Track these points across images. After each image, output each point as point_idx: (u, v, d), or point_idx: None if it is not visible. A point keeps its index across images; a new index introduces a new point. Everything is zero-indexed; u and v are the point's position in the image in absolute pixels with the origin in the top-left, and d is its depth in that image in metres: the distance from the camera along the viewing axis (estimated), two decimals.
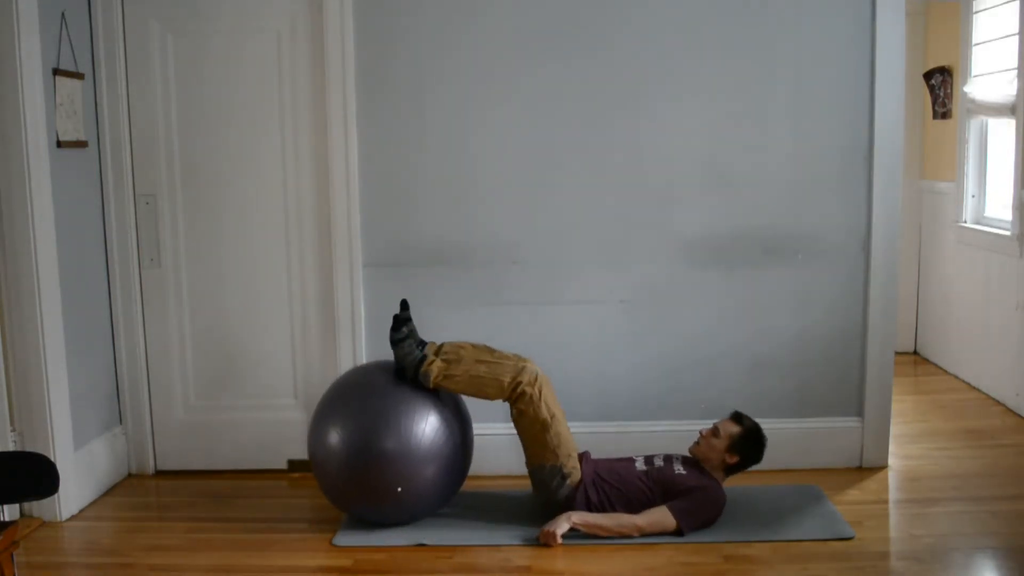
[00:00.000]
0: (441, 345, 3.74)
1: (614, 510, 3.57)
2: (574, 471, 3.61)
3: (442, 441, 3.57)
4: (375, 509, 3.61)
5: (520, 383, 3.56)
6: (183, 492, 4.18)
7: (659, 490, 3.57)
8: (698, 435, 3.70)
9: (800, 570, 3.28)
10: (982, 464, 4.25)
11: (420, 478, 3.54)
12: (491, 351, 3.72)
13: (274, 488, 4.19)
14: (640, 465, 3.68)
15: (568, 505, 3.59)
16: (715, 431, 3.65)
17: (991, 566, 3.35)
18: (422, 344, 3.71)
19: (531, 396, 3.55)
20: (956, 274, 5.77)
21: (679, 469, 3.63)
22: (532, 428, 3.59)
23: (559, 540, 3.47)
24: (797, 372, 4.23)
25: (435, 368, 3.59)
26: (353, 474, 3.52)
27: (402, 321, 3.69)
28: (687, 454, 3.72)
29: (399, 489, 3.50)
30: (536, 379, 3.58)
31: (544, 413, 3.56)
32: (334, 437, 3.54)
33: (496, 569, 3.35)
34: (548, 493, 3.63)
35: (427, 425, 3.55)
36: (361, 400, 3.60)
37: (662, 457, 3.71)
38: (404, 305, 3.75)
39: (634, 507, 3.56)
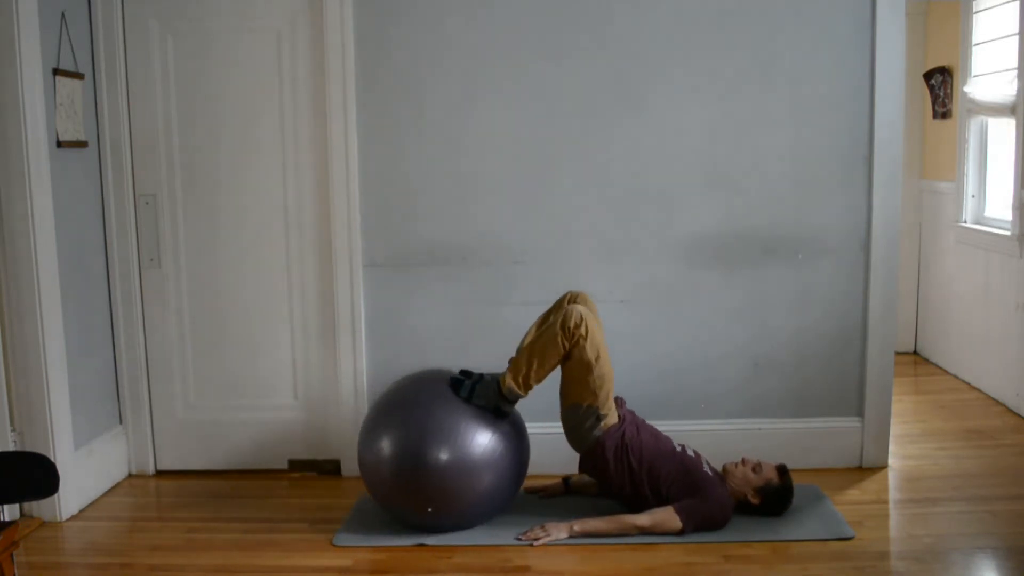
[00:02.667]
0: (516, 356, 3.69)
1: (638, 467, 3.56)
2: (610, 413, 3.60)
3: (498, 452, 3.55)
4: (425, 517, 3.58)
5: (569, 329, 3.49)
6: (183, 492, 4.19)
7: (682, 474, 3.57)
8: (741, 459, 3.70)
9: (800, 570, 3.28)
10: (982, 464, 4.25)
11: (474, 488, 3.52)
12: (546, 316, 3.77)
13: (274, 488, 4.19)
14: (676, 446, 3.69)
15: (599, 448, 3.57)
16: (757, 467, 3.65)
17: (991, 566, 3.35)
18: (494, 376, 3.65)
19: (580, 338, 3.50)
20: (956, 274, 5.77)
21: (706, 468, 3.64)
22: (577, 369, 3.55)
23: (539, 544, 3.50)
24: (797, 372, 4.23)
25: (507, 383, 3.56)
26: (403, 482, 3.50)
27: (458, 383, 3.63)
28: (708, 459, 3.73)
29: (429, 510, 3.50)
30: (582, 320, 3.50)
31: (589, 355, 3.51)
32: (387, 443, 3.52)
33: (496, 569, 3.35)
34: (580, 433, 3.61)
35: (483, 437, 3.53)
36: (420, 408, 3.57)
37: (692, 450, 3.72)
38: (460, 375, 3.69)
39: (655, 479, 3.55)
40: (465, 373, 3.70)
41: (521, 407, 3.74)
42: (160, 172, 4.25)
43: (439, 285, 4.21)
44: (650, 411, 4.13)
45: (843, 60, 4.06)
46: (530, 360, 3.56)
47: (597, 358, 3.52)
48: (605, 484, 3.66)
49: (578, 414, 3.60)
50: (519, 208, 4.16)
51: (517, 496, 3.79)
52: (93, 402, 4.15)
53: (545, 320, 3.81)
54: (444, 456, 3.46)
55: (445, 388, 3.62)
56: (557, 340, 3.52)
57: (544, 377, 3.58)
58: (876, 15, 4.00)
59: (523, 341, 3.77)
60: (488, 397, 3.58)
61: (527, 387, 3.58)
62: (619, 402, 3.74)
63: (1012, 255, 5.00)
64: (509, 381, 3.57)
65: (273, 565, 3.43)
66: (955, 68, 5.75)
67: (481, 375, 3.66)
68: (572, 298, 3.79)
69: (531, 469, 3.83)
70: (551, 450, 3.93)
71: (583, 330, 3.49)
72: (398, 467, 3.50)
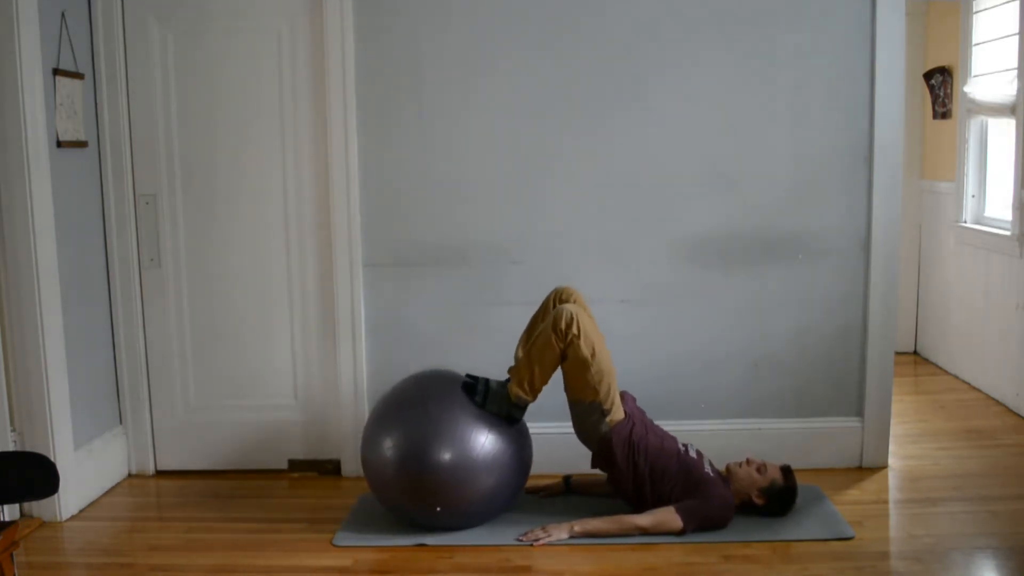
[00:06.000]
0: (516, 364, 3.70)
1: (643, 466, 3.55)
2: (615, 409, 3.59)
3: (500, 452, 3.55)
4: (428, 517, 3.58)
5: (561, 330, 3.50)
6: (183, 492, 4.19)
7: (682, 475, 3.57)
8: (745, 458, 3.70)
9: (800, 570, 3.28)
10: (982, 464, 4.26)
11: (478, 489, 3.52)
12: (536, 319, 3.79)
13: (274, 488, 4.19)
14: (679, 445, 3.69)
15: (606, 443, 3.57)
16: (762, 467, 3.65)
17: (991, 566, 3.35)
18: (501, 383, 3.65)
19: (573, 338, 3.50)
20: (956, 274, 5.77)
21: (707, 468, 3.63)
22: (574, 367, 3.55)
23: (539, 544, 3.50)
24: (797, 372, 4.23)
25: (515, 392, 3.58)
26: (408, 482, 3.50)
27: (471, 388, 3.63)
28: (711, 459, 3.72)
29: (438, 509, 3.50)
30: (573, 319, 3.50)
31: (584, 352, 3.51)
32: (389, 444, 3.52)
33: (496, 569, 3.35)
34: (587, 428, 3.62)
35: (485, 438, 3.53)
36: (423, 408, 3.57)
37: (695, 450, 3.72)
38: (468, 377, 3.70)
39: (659, 480, 3.56)
40: (472, 377, 3.70)
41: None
42: (160, 172, 4.25)
43: (439, 285, 4.21)
44: (651, 411, 4.12)
45: (843, 60, 4.06)
46: (530, 366, 3.58)
47: (593, 354, 3.52)
48: (612, 480, 3.66)
49: (582, 410, 3.60)
50: (519, 208, 4.16)
51: (518, 496, 3.79)
52: (93, 402, 4.14)
53: (536, 322, 3.82)
54: (447, 457, 3.46)
55: (448, 388, 3.63)
56: (551, 343, 3.53)
57: (548, 379, 3.60)
58: (876, 15, 4.00)
59: (518, 347, 3.79)
60: (500, 404, 3.60)
61: (534, 392, 3.60)
62: (627, 398, 3.74)
63: (1012, 255, 5.00)
64: (516, 389, 3.59)
65: (273, 565, 3.43)
66: (955, 68, 5.75)
67: (487, 380, 3.66)
68: (558, 295, 3.79)
69: (535, 468, 3.83)
70: (554, 449, 3.96)
71: (575, 328, 3.50)
72: (402, 468, 3.50)
